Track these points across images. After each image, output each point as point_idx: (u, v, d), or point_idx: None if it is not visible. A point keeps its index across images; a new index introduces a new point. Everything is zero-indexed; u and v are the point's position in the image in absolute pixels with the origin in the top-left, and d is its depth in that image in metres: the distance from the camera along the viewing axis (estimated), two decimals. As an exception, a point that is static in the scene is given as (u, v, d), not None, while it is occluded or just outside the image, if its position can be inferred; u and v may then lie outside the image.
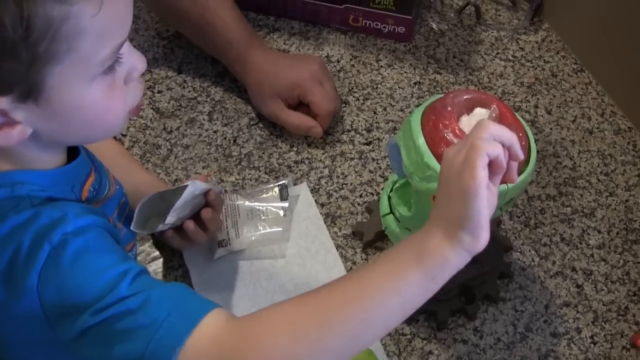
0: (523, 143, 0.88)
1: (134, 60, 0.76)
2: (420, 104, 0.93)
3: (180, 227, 1.01)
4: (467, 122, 0.88)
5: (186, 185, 0.95)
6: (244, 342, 0.70)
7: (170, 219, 0.97)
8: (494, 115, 0.86)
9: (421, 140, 0.87)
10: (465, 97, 0.90)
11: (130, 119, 1.20)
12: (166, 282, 0.75)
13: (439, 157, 0.86)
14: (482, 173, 0.71)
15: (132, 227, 0.95)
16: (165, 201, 0.99)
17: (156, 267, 1.08)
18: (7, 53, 0.65)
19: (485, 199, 0.71)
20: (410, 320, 1.04)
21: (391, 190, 0.98)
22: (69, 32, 0.66)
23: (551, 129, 1.25)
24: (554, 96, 1.29)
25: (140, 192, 1.07)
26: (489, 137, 0.73)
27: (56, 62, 0.67)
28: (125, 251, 0.78)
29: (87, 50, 0.68)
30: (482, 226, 0.72)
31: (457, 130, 0.86)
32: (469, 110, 0.89)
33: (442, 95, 0.92)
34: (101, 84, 0.72)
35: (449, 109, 0.88)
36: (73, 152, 0.82)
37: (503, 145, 0.74)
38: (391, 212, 0.97)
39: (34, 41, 0.65)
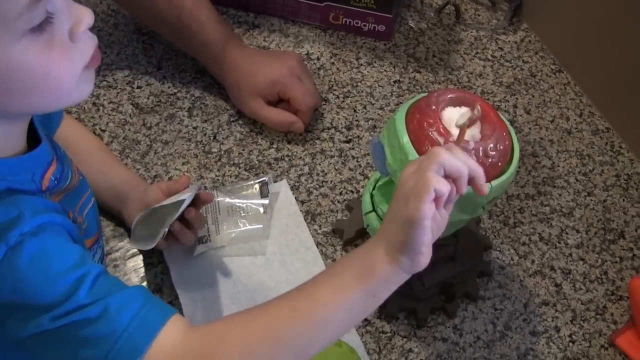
0: (507, 142, 0.89)
1: (77, 14, 0.71)
2: (404, 102, 0.93)
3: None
4: (448, 117, 0.88)
5: (182, 200, 0.97)
6: None
7: (166, 229, 0.98)
8: (476, 113, 0.86)
9: (406, 139, 0.87)
10: (449, 95, 0.90)
11: (109, 114, 1.21)
12: (125, 285, 0.74)
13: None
14: (427, 206, 0.73)
15: (129, 244, 0.95)
16: (158, 214, 1.00)
17: (135, 263, 1.07)
18: None
19: (428, 229, 0.74)
20: (391, 318, 1.04)
21: (374, 188, 0.98)
22: None
23: (530, 128, 1.26)
24: (533, 96, 1.30)
25: (116, 189, 1.07)
26: (438, 168, 0.75)
27: None
28: (84, 249, 0.76)
29: None
30: (422, 252, 0.75)
31: (441, 129, 0.86)
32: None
33: (426, 94, 0.92)
34: (32, 45, 0.67)
35: (434, 107, 0.88)
36: (34, 141, 0.79)
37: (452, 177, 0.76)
38: (373, 210, 0.97)
39: None
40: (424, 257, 0.75)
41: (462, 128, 0.84)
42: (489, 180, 0.86)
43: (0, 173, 0.73)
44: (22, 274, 0.69)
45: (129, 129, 1.21)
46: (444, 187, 0.74)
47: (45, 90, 0.71)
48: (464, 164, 0.76)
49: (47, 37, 0.68)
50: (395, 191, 0.78)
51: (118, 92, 1.26)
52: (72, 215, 0.82)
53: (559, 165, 1.22)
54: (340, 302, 0.75)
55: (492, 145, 0.87)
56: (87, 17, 0.71)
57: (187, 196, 0.97)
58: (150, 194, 1.03)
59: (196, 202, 1.02)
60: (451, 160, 0.75)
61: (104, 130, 1.20)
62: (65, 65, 0.70)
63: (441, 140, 0.85)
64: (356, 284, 0.75)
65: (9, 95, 0.70)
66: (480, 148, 0.86)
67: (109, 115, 1.22)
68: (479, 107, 0.86)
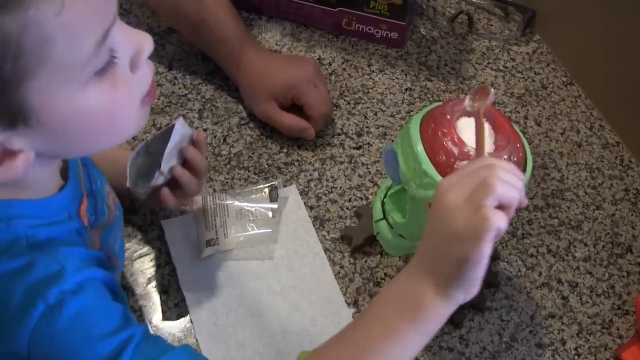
0: (520, 154, 0.89)
1: (136, 43, 0.67)
2: (418, 111, 0.93)
3: (171, 184, 0.96)
4: (462, 127, 0.88)
5: (173, 125, 0.92)
6: None
7: (165, 166, 0.92)
8: (491, 97, 0.83)
9: (420, 148, 0.87)
10: (463, 105, 0.90)
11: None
12: (169, 346, 0.71)
13: (437, 165, 0.86)
14: (488, 246, 0.68)
15: (127, 184, 0.90)
16: (153, 154, 0.94)
17: (142, 264, 1.07)
18: None
19: (484, 266, 0.70)
20: (397, 326, 1.04)
21: (385, 196, 0.98)
22: (32, 42, 0.58)
23: (540, 140, 1.26)
24: (544, 108, 1.30)
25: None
26: (494, 202, 0.69)
27: (30, 79, 0.59)
28: (126, 308, 0.73)
29: (62, 55, 0.60)
30: (476, 285, 0.72)
31: (456, 139, 0.86)
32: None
33: (440, 103, 0.92)
34: (97, 88, 0.64)
35: (448, 117, 0.88)
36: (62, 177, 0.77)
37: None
38: (384, 218, 0.97)
39: None
40: (477, 288, 0.72)
41: (480, 139, 0.83)
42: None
43: (41, 216, 0.70)
44: (61, 335, 0.66)
45: (140, 130, 1.20)
46: (504, 223, 0.69)
47: (109, 132, 0.69)
48: (517, 191, 0.72)
49: (111, 76, 0.65)
50: (435, 223, 0.73)
51: (129, 92, 1.25)
52: (107, 253, 0.80)
53: (568, 178, 1.21)
54: (393, 346, 0.72)
55: (506, 156, 0.87)
56: (148, 44, 0.69)
57: (177, 121, 0.91)
58: None
59: (199, 145, 0.96)
60: (506, 192, 0.70)
61: (114, 130, 1.20)
62: (127, 103, 0.68)
63: (455, 150, 0.85)
64: (409, 325, 0.72)
65: (69, 142, 0.67)
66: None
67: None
68: (493, 91, 0.84)
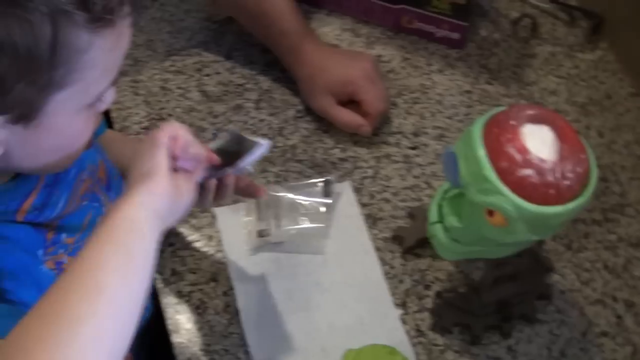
0: (585, 166, 0.86)
1: (107, 94, 0.77)
2: (481, 115, 0.91)
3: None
4: (527, 133, 0.86)
5: (258, 143, 0.91)
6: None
7: (232, 170, 0.90)
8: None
9: (482, 152, 0.85)
10: (529, 112, 0.87)
11: (176, 99, 1.21)
12: None
13: (499, 171, 0.83)
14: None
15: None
16: (225, 149, 0.92)
17: (191, 251, 1.07)
18: (28, 74, 0.65)
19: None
20: (444, 331, 1.02)
21: (442, 199, 0.96)
22: (86, 63, 0.67)
23: (602, 152, 1.22)
24: (607, 119, 1.27)
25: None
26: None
27: (63, 88, 0.68)
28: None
29: (91, 82, 0.70)
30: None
31: (519, 146, 0.84)
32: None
33: (505, 108, 0.90)
34: (84, 115, 0.74)
35: (512, 122, 0.86)
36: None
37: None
38: (440, 221, 0.95)
39: (55, 67, 0.66)
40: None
41: None
42: (563, 202, 0.84)
43: None
44: None
45: (195, 116, 1.20)
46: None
47: (69, 153, 0.77)
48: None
49: (92, 111, 0.75)
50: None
51: (186, 78, 1.25)
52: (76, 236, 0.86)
53: (629, 193, 1.18)
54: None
55: (570, 167, 0.84)
56: (113, 96, 0.79)
57: (266, 144, 0.91)
58: None
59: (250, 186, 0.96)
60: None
61: (170, 115, 1.20)
62: (89, 133, 0.78)
63: (519, 157, 0.83)
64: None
65: (41, 154, 0.75)
66: (559, 169, 0.84)
67: (177, 100, 1.22)
68: None
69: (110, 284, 0.67)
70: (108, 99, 0.78)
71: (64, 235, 0.86)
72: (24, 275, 0.80)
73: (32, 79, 0.65)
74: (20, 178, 0.80)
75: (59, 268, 0.85)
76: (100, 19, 0.66)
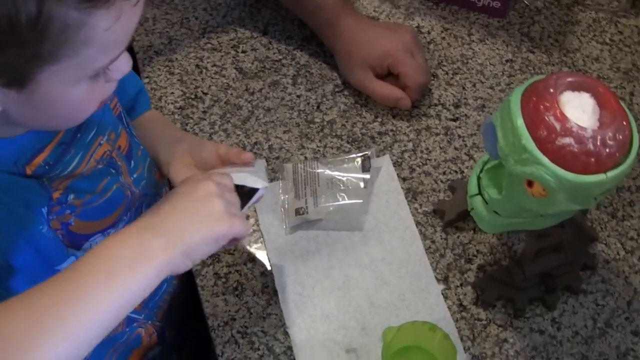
0: (626, 132, 0.84)
1: (120, 64, 0.76)
2: (520, 84, 0.89)
3: None
4: (566, 101, 0.84)
5: (256, 190, 0.90)
6: None
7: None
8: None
9: (520, 122, 0.83)
10: (568, 79, 0.85)
11: (211, 77, 1.20)
12: None
13: (537, 140, 0.82)
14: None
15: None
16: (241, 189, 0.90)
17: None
18: (13, 44, 0.65)
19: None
20: (487, 305, 1.01)
21: (481, 171, 0.95)
22: (78, 39, 0.67)
23: (646, 118, 1.20)
24: (652, 85, 1.24)
25: (167, 138, 1.03)
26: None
27: (54, 62, 0.68)
28: None
29: (87, 59, 0.69)
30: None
31: (558, 114, 0.82)
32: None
33: (544, 76, 0.88)
34: (85, 85, 0.73)
35: (551, 90, 0.84)
36: None
37: None
38: (479, 193, 0.94)
39: (42, 40, 0.66)
40: None
41: None
42: (604, 171, 0.82)
43: None
44: None
45: (232, 94, 1.20)
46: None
47: (71, 120, 0.79)
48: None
49: (95, 81, 0.74)
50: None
51: (222, 56, 1.25)
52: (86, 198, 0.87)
53: (676, 159, 1.15)
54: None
55: (610, 134, 0.82)
56: (128, 66, 0.78)
57: (261, 188, 0.90)
58: (204, 150, 0.97)
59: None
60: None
61: (205, 94, 1.19)
62: (93, 103, 0.77)
63: (558, 125, 0.81)
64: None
65: (39, 117, 0.75)
66: (599, 136, 0.82)
67: (212, 78, 1.22)
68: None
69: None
70: (122, 69, 0.77)
71: (71, 196, 0.86)
72: (16, 230, 0.81)
73: (17, 49, 0.65)
74: (37, 131, 0.81)
75: (66, 229, 0.86)
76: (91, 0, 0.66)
